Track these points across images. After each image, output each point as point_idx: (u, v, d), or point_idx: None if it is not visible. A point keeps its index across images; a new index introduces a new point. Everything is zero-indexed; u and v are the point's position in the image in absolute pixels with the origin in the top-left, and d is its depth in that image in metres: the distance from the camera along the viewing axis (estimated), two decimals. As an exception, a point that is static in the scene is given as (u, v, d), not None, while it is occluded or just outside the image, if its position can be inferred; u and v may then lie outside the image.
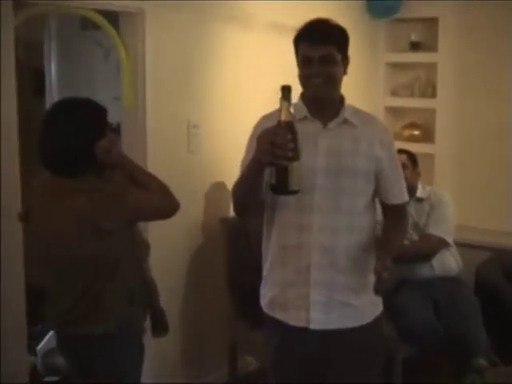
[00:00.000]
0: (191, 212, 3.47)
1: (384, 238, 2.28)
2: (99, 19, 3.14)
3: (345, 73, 2.22)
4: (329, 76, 2.14)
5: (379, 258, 2.12)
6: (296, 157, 1.90)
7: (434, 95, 4.56)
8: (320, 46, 2.13)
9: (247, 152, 2.26)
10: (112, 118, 2.32)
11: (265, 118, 2.26)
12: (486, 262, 3.85)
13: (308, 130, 2.17)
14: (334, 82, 2.18)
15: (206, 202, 3.61)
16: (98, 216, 2.09)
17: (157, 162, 3.22)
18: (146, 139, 3.25)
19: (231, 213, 3.72)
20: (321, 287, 2.20)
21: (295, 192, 1.97)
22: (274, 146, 1.87)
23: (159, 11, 3.20)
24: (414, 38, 4.58)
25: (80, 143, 2.12)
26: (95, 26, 3.54)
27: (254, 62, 3.76)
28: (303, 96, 2.25)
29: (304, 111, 2.21)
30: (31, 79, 4.70)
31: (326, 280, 2.20)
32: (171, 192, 2.28)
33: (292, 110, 1.91)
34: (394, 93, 4.73)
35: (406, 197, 2.34)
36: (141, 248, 2.37)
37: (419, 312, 3.42)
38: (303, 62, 2.17)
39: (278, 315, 2.28)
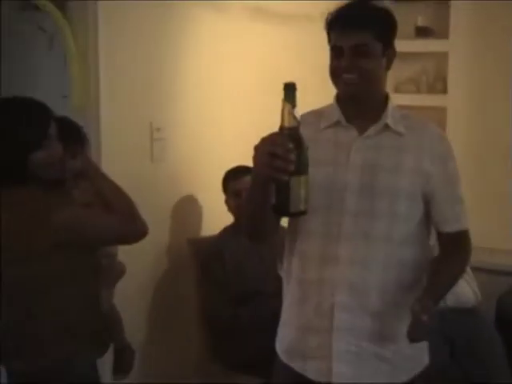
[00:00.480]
0: (155, 232, 3.38)
1: (432, 272, 2.15)
2: (43, 1, 3.14)
3: (388, 67, 2.14)
4: (363, 71, 2.05)
5: (420, 296, 2.01)
6: (300, 170, 1.85)
7: (444, 91, 4.58)
8: (352, 32, 2.04)
9: None
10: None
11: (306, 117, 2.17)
12: (510, 291, 3.88)
13: (340, 138, 2.13)
14: (370, 79, 2.09)
15: (172, 220, 3.62)
16: (7, 239, 2.11)
17: (113, 173, 3.18)
18: (100, 145, 3.25)
19: (203, 232, 3.75)
20: (346, 334, 2.10)
21: (299, 214, 1.91)
22: (273, 158, 1.81)
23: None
24: (420, 22, 4.61)
25: (8, 156, 2.14)
26: (37, 8, 3.52)
27: (232, 53, 3.77)
28: (338, 97, 2.19)
29: (336, 115, 2.15)
30: None
31: (354, 325, 2.10)
32: (138, 214, 2.29)
33: (297, 114, 1.85)
34: (397, 89, 4.72)
35: (464, 224, 2.21)
36: (104, 272, 2.39)
37: (430, 354, 3.42)
38: (333, 53, 2.09)
39: (295, 365, 2.18)
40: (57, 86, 4.04)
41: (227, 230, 3.58)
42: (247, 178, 3.44)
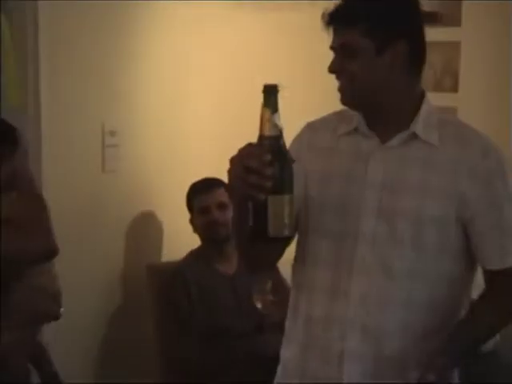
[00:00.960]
0: (108, 256, 3.47)
1: (467, 316, 2.08)
2: None
3: (402, 66, 2.03)
4: (349, 74, 2.03)
5: (436, 348, 1.96)
6: (283, 188, 1.83)
7: (454, 89, 4.59)
8: (339, 31, 2.04)
9: None
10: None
11: (311, 126, 2.21)
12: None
13: (358, 148, 2.09)
14: (362, 84, 2.03)
15: (127, 242, 3.61)
16: None
17: (56, 185, 3.24)
18: (41, 151, 3.26)
19: (164, 257, 3.75)
20: None
21: (281, 239, 1.88)
22: (248, 172, 1.79)
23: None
24: (427, 6, 4.64)
25: None
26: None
27: (200, 43, 3.76)
28: None
29: (355, 120, 2.10)
30: None
31: (366, 376, 2.04)
32: (49, 230, 2.33)
33: (278, 121, 1.82)
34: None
35: None
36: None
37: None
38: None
39: None
40: None
41: (193, 255, 3.56)
42: (217, 193, 3.48)
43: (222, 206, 3.47)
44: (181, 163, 3.70)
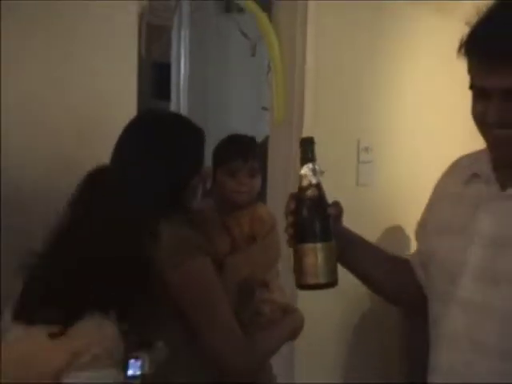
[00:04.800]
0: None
1: None
2: (246, 1, 3.09)
3: None
4: None
5: None
6: (316, 236, 1.67)
7: None
8: (502, 69, 1.48)
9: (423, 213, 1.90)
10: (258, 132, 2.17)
11: (452, 170, 1.84)
12: None
13: (475, 196, 1.66)
14: None
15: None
16: None
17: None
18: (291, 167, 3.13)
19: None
20: None
21: (315, 287, 1.68)
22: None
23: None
24: None
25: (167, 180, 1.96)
26: (240, 10, 3.50)
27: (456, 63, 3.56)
28: None
29: (479, 165, 1.68)
30: (154, 79, 4.84)
31: None
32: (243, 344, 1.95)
33: (312, 173, 1.70)
34: None
35: None
36: None
37: None
38: (475, 92, 1.59)
39: None
40: (256, 96, 4.06)
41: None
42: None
43: None
44: (431, 176, 3.47)
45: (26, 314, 1.76)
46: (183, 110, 4.82)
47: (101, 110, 2.54)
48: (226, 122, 4.51)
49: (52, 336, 1.67)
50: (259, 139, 2.78)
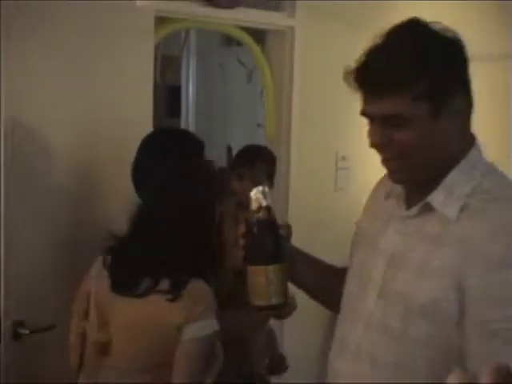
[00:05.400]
0: (333, 261, 3.47)
1: None
2: (243, 36, 3.27)
3: (454, 132, 1.41)
4: (401, 148, 1.40)
5: None
6: (264, 258, 1.53)
7: None
8: (379, 97, 1.39)
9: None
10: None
11: (380, 182, 1.70)
12: None
13: (387, 210, 1.55)
14: (418, 154, 1.40)
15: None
16: None
17: (300, 200, 3.31)
18: (290, 174, 3.33)
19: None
20: None
21: (266, 308, 1.55)
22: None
23: (310, 29, 3.28)
24: None
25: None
26: (239, 43, 3.67)
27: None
28: None
29: (392, 183, 1.54)
30: (166, 99, 4.91)
31: None
32: None
33: (262, 195, 1.54)
34: None
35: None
36: None
37: None
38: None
39: None
40: (252, 115, 4.19)
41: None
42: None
43: None
44: None
45: (129, 286, 1.92)
46: (191, 126, 4.84)
47: (122, 126, 2.59)
48: (227, 137, 4.55)
49: (170, 300, 1.85)
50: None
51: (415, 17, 1.45)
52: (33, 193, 2.41)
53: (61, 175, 2.50)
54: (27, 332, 2.37)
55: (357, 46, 3.36)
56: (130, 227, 1.99)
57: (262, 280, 1.51)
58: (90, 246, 2.10)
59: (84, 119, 2.52)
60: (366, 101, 1.42)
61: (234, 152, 4.01)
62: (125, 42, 2.60)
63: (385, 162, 1.45)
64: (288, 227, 1.74)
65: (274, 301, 1.52)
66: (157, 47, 2.95)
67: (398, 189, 1.52)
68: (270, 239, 1.55)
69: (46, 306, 2.44)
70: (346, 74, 1.42)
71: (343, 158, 3.50)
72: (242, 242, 1.56)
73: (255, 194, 1.54)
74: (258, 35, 3.35)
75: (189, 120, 4.94)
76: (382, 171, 3.58)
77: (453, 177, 1.41)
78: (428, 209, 1.42)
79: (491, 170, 1.45)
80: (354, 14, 3.42)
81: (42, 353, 2.46)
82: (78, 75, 2.50)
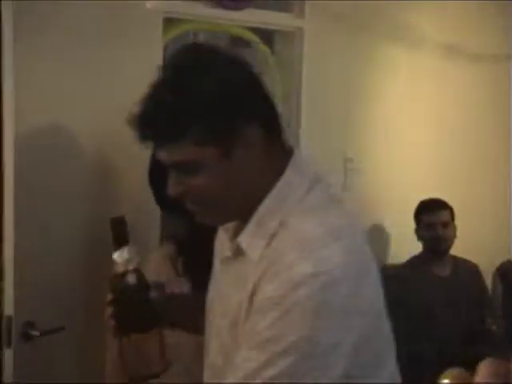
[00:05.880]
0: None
1: None
2: (252, 37, 3.25)
3: (256, 161, 1.29)
4: (197, 195, 1.30)
5: None
6: (135, 327, 1.40)
7: None
8: (164, 144, 1.29)
9: None
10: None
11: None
12: None
13: (220, 250, 1.48)
14: (216, 201, 1.30)
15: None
16: None
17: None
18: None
19: (390, 260, 3.72)
20: None
21: (146, 377, 1.46)
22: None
23: (319, 30, 3.26)
24: None
25: None
26: (247, 44, 3.67)
27: (424, 90, 3.76)
28: None
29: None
30: None
31: None
32: None
33: (127, 257, 1.37)
34: None
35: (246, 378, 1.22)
36: None
37: None
38: None
39: None
40: None
41: (415, 259, 3.52)
42: (442, 213, 3.43)
43: (445, 225, 3.43)
44: (404, 183, 3.68)
45: None
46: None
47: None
48: None
49: None
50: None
51: (191, 46, 1.35)
52: (44, 193, 2.40)
53: (74, 174, 2.49)
54: (37, 333, 2.37)
55: (367, 47, 3.42)
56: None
57: (135, 351, 1.38)
58: (102, 248, 2.07)
59: (94, 120, 2.51)
60: (154, 147, 1.30)
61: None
62: (133, 43, 2.59)
63: (190, 208, 1.33)
64: (160, 287, 1.50)
65: (150, 370, 1.40)
66: (165, 48, 2.91)
67: (226, 230, 1.40)
68: (141, 305, 1.39)
69: (57, 308, 2.44)
70: (129, 120, 1.28)
71: (351, 160, 3.49)
72: (109, 311, 1.39)
73: (118, 257, 1.36)
74: (267, 36, 3.33)
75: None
76: (390, 172, 3.67)
77: (260, 213, 1.29)
78: (237, 250, 1.33)
79: (310, 193, 1.30)
80: (364, 15, 3.41)
81: (51, 354, 2.46)
82: (86, 77, 2.49)
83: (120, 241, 1.36)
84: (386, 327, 1.32)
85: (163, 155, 1.28)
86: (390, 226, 3.69)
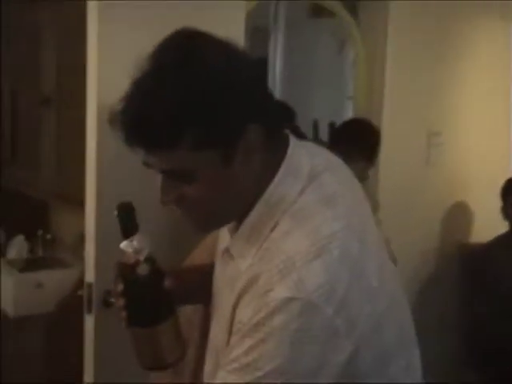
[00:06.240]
0: (425, 235, 3.42)
1: None
2: (335, 6, 3.20)
3: (254, 165, 1.17)
4: (193, 203, 1.19)
5: None
6: (148, 320, 1.32)
7: None
8: (155, 151, 1.13)
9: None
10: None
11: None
12: None
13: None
14: (213, 211, 1.22)
15: (443, 224, 3.53)
16: None
17: (390, 175, 3.23)
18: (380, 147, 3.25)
19: (473, 238, 3.62)
20: None
21: (159, 369, 1.38)
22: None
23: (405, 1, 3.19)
24: None
25: None
26: (330, 14, 3.62)
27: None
28: None
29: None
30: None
31: None
32: None
33: (137, 247, 1.28)
34: None
35: None
36: None
37: None
38: None
39: None
40: (341, 88, 4.13)
41: (501, 238, 3.40)
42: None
43: None
44: (491, 161, 3.61)
45: None
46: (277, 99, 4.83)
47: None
48: (314, 110, 4.40)
49: None
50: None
51: (183, 34, 1.13)
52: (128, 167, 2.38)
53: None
54: (116, 301, 2.40)
55: (451, 16, 3.31)
56: None
57: (150, 343, 1.31)
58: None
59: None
60: (143, 152, 1.13)
61: (321, 126, 3.99)
62: (215, 9, 2.48)
63: (184, 217, 1.22)
64: (175, 276, 1.41)
65: (170, 359, 1.34)
66: (247, 18, 2.83)
67: (226, 229, 1.32)
68: (155, 297, 1.32)
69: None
70: (111, 119, 1.11)
71: (436, 134, 3.42)
72: (121, 302, 1.31)
73: (127, 247, 1.28)
74: (351, 6, 3.26)
75: (275, 92, 4.79)
76: (475, 148, 3.58)
77: (251, 219, 1.20)
78: (229, 254, 1.26)
79: (302, 194, 1.18)
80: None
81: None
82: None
83: (128, 231, 1.28)
84: (388, 328, 1.20)
85: (154, 161, 1.14)
86: (474, 203, 3.60)
